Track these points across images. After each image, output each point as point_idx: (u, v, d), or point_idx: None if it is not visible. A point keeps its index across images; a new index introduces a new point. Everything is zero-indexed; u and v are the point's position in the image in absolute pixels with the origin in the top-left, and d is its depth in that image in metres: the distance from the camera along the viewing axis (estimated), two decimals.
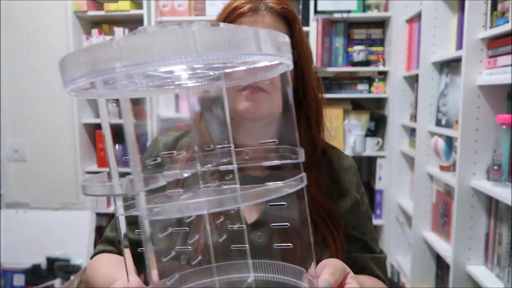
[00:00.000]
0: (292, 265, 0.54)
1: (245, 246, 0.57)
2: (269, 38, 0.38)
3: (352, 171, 0.85)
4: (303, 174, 0.45)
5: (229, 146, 0.56)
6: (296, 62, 0.77)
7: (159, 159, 0.59)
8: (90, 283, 0.77)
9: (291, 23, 0.77)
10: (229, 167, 0.56)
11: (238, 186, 0.54)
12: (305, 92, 0.80)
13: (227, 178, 0.57)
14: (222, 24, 0.36)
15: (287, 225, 0.59)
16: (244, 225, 0.60)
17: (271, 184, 0.41)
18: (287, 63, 0.42)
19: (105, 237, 0.84)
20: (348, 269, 0.56)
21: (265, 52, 0.37)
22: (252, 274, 0.57)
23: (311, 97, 0.80)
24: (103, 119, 0.45)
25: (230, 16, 0.76)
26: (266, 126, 0.80)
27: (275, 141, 0.55)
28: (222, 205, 0.38)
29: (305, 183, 0.45)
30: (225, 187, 0.54)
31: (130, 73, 0.35)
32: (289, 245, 0.65)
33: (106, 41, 0.35)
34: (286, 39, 0.41)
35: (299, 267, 0.53)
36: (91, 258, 0.82)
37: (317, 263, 0.54)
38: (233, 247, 0.58)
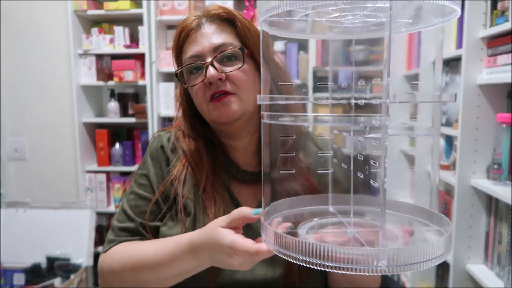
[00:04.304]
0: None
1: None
2: None
3: None
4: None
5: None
6: (251, 56, 0.81)
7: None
8: (133, 260, 0.74)
9: (233, 23, 0.81)
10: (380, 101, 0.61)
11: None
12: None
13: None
14: None
15: None
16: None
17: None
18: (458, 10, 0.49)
19: (117, 228, 0.81)
20: None
21: None
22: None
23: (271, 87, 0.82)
24: None
25: (181, 34, 0.81)
26: (247, 122, 0.83)
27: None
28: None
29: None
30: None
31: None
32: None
33: None
34: None
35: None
36: (105, 250, 0.80)
37: None
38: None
